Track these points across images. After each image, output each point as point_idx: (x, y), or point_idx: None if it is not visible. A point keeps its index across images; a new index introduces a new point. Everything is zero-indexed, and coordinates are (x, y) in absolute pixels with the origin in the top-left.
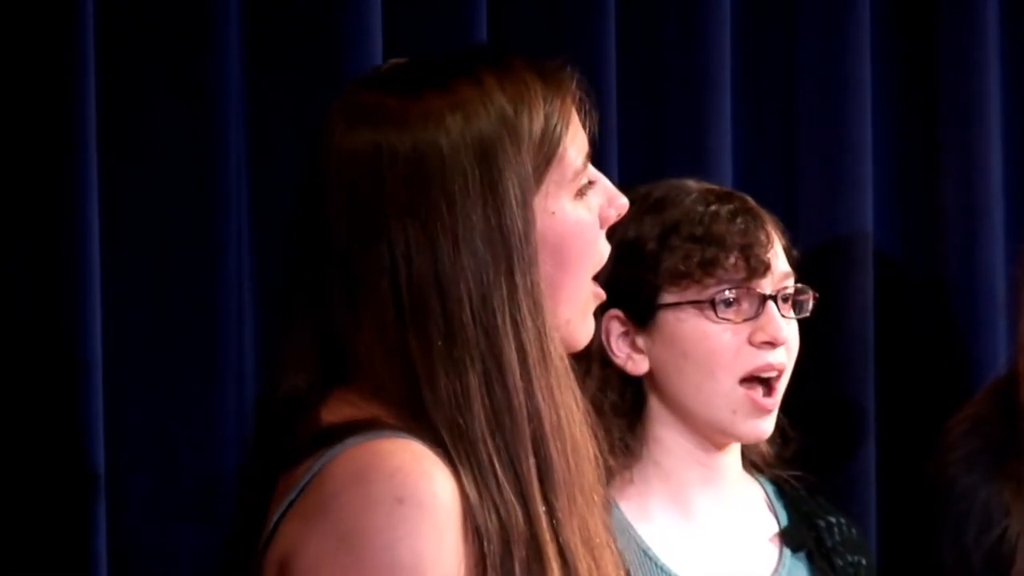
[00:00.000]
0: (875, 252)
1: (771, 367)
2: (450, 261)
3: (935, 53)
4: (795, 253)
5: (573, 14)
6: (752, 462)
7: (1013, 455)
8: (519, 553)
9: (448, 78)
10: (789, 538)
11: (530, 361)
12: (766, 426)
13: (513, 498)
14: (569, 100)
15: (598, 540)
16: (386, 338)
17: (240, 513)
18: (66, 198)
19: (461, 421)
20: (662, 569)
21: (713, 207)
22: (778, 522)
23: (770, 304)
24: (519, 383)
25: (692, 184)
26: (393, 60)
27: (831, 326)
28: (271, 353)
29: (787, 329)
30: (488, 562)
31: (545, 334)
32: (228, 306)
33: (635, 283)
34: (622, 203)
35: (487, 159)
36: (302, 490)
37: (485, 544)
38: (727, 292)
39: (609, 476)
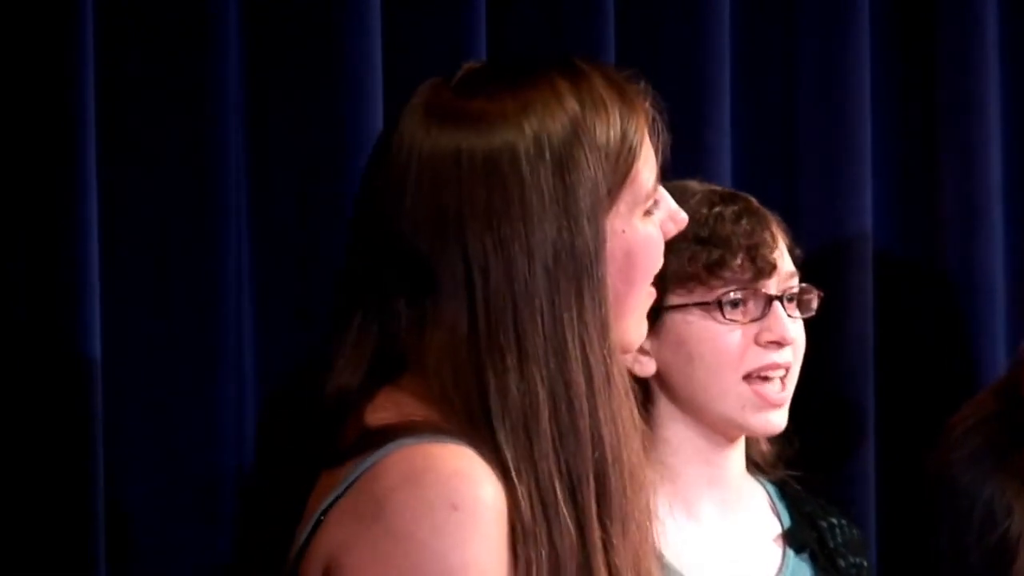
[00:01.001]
0: (875, 252)
1: (777, 366)
2: (525, 277)
3: (935, 53)
4: (799, 252)
5: (573, 14)
6: (754, 462)
7: (1016, 454)
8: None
9: (525, 83)
10: (792, 539)
11: (596, 384)
12: (778, 419)
13: (570, 521)
14: (643, 118)
15: (646, 565)
16: (457, 346)
17: (274, 507)
18: (66, 198)
19: (526, 438)
20: (666, 567)
21: (717, 208)
22: (781, 523)
23: (776, 304)
24: (585, 406)
25: (695, 185)
26: (468, 64)
27: (831, 326)
28: (328, 348)
29: (793, 329)
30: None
31: (611, 357)
32: (228, 306)
33: None
34: (682, 218)
35: (562, 165)
36: (349, 486)
37: (534, 566)
38: (733, 293)
39: None
